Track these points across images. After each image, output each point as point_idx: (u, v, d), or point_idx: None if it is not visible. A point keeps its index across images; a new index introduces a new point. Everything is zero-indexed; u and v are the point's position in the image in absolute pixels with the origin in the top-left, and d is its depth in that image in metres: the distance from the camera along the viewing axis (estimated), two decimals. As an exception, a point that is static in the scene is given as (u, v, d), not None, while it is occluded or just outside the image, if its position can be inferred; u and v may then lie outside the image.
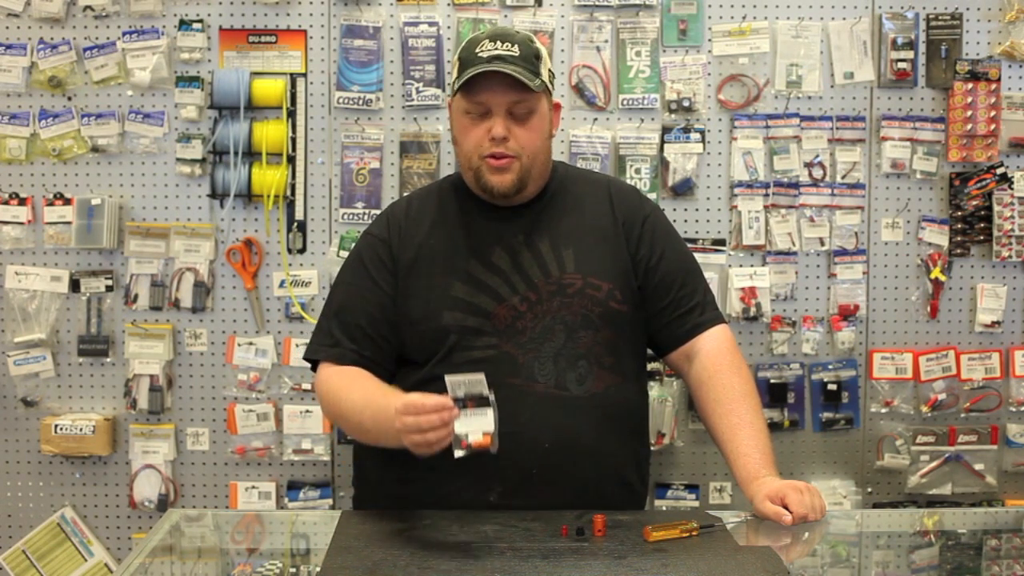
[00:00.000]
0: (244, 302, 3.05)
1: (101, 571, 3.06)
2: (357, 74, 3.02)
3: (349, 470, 2.43)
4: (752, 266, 3.07)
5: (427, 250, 2.19)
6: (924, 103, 3.09)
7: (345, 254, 2.78)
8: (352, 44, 3.02)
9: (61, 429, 3.00)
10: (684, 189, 3.05)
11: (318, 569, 1.72)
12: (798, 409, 3.09)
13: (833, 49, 3.06)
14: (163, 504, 3.03)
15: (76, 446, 3.00)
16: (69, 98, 3.03)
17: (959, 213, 3.08)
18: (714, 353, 2.21)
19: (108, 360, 3.05)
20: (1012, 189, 3.08)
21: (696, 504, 3.06)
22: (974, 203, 3.08)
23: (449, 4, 3.03)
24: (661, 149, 3.05)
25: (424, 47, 3.02)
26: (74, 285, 3.04)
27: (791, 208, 3.07)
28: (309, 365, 2.26)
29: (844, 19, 3.07)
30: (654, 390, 2.97)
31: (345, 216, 3.04)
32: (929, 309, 3.09)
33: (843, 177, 3.07)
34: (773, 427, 2.98)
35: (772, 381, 3.07)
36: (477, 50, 2.11)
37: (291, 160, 3.03)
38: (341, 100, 3.02)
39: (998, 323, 3.09)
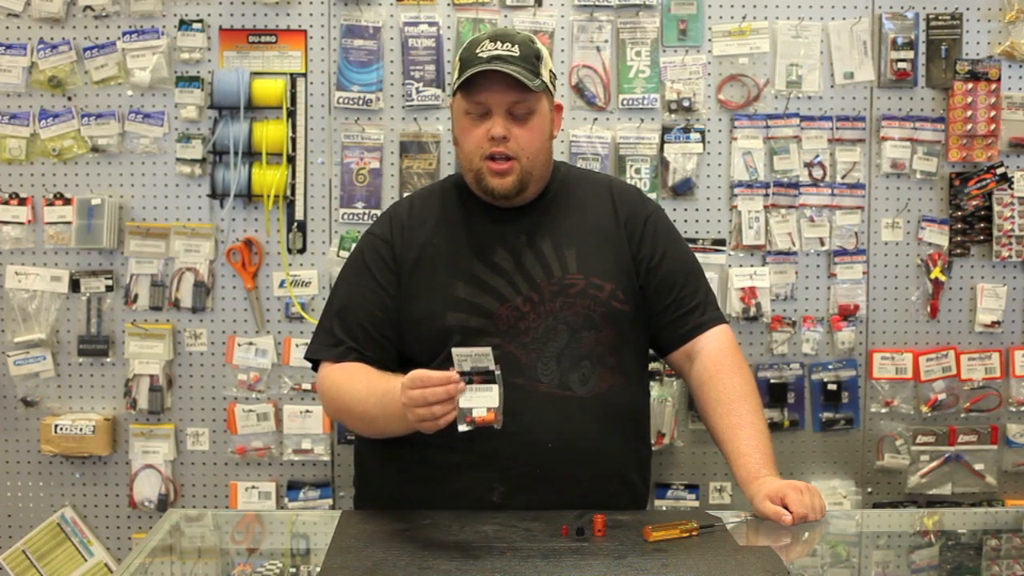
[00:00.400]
0: (244, 302, 3.05)
1: (101, 571, 3.06)
2: (357, 74, 3.02)
3: (349, 470, 2.44)
4: (752, 266, 3.07)
5: (430, 250, 2.18)
6: (924, 103, 3.09)
7: (345, 254, 2.78)
8: (352, 44, 3.02)
9: (61, 429, 3.00)
10: (684, 189, 3.05)
11: (318, 569, 1.72)
12: (798, 409, 3.09)
13: (833, 49, 3.06)
14: (163, 504, 3.03)
15: (76, 446, 3.00)
16: (69, 98, 3.03)
17: (959, 213, 3.09)
18: (715, 353, 2.21)
19: (108, 360, 3.05)
20: (1012, 189, 3.08)
21: (696, 504, 3.07)
22: (974, 203, 3.08)
23: (449, 4, 3.03)
24: (661, 149, 3.05)
25: (424, 47, 3.02)
26: (74, 285, 3.04)
27: (791, 208, 3.07)
28: (310, 365, 2.26)
29: (844, 19, 3.07)
30: (654, 390, 2.97)
31: (345, 216, 3.04)
32: (929, 309, 3.09)
33: (843, 177, 3.07)
34: (773, 427, 2.98)
35: (772, 381, 3.07)
36: (477, 50, 2.11)
37: (291, 160, 3.03)
38: (341, 100, 3.02)
39: (998, 323, 3.10)
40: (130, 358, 3.03)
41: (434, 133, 3.03)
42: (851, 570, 1.94)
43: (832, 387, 3.08)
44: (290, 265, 3.04)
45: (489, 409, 1.83)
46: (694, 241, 3.04)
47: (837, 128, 3.07)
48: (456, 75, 2.15)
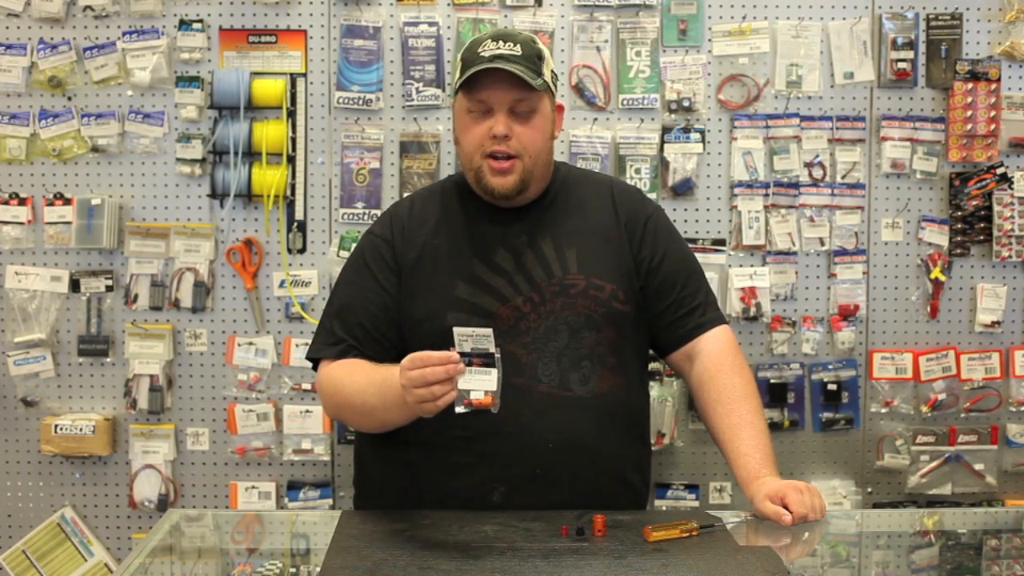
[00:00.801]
0: (244, 302, 3.05)
1: (101, 571, 3.06)
2: (357, 74, 3.02)
3: (349, 470, 2.43)
4: (752, 266, 3.07)
5: (430, 250, 2.18)
6: (924, 103, 3.09)
7: (345, 254, 2.78)
8: (352, 44, 3.02)
9: (61, 429, 3.00)
10: (684, 189, 3.05)
11: (318, 569, 1.72)
12: (798, 409, 3.09)
13: (833, 49, 3.06)
14: (163, 504, 3.03)
15: (76, 446, 3.00)
16: (69, 98, 3.03)
17: (959, 213, 3.09)
18: (715, 354, 2.21)
19: (108, 360, 3.05)
20: (1012, 189, 3.08)
21: (696, 504, 3.07)
22: (974, 203, 3.08)
23: (449, 4, 3.03)
24: (661, 149, 3.05)
25: (424, 47, 3.02)
26: (74, 285, 3.04)
27: (791, 208, 3.07)
28: (310, 365, 2.26)
29: (844, 19, 3.07)
30: (654, 390, 2.97)
31: (345, 216, 3.04)
32: (929, 309, 3.09)
33: (843, 177, 3.07)
34: (773, 427, 2.98)
35: (772, 381, 3.07)
36: (479, 49, 2.11)
37: (291, 160, 3.03)
38: (341, 100, 3.02)
39: (998, 323, 3.10)
40: (130, 358, 3.03)
41: (434, 133, 3.03)
42: (851, 570, 1.94)
43: (832, 387, 3.08)
44: (290, 265, 3.04)
45: (487, 392, 1.82)
46: (694, 241, 3.04)
47: (837, 128, 3.07)
48: (458, 74, 2.15)
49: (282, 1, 3.02)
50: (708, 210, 3.08)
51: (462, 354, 1.82)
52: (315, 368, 2.24)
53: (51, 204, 3.01)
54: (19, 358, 3.03)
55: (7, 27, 3.02)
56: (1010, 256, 3.09)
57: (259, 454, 3.05)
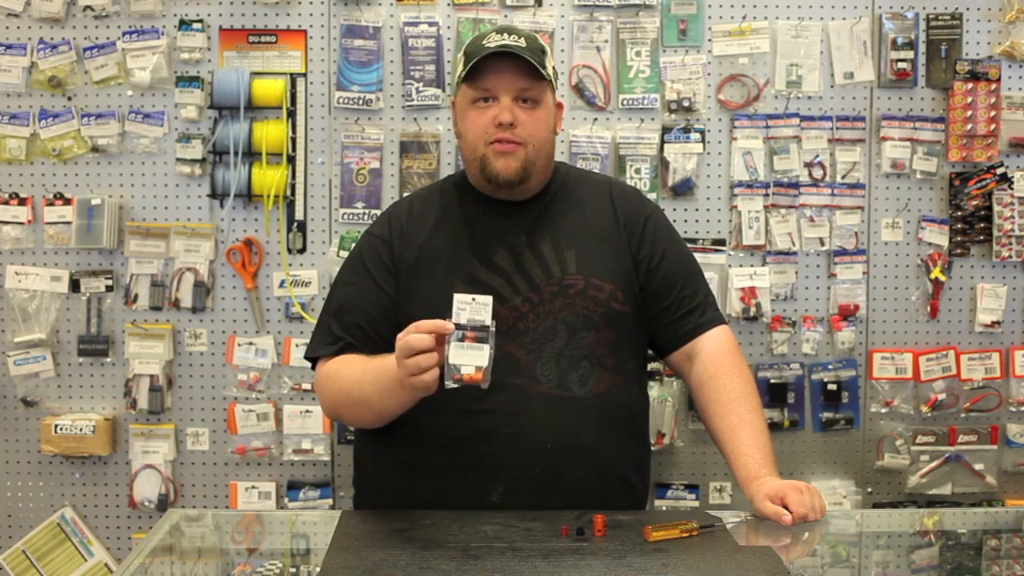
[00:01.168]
0: (244, 302, 3.05)
1: (101, 571, 3.06)
2: (357, 74, 3.02)
3: (349, 470, 2.43)
4: (752, 266, 3.07)
5: (429, 250, 2.19)
6: (924, 103, 3.09)
7: (345, 254, 2.78)
8: (352, 44, 3.02)
9: (61, 429, 3.00)
10: (684, 189, 3.05)
11: (318, 569, 1.72)
12: (798, 409, 3.09)
13: (833, 49, 3.06)
14: (163, 504, 3.03)
15: (76, 446, 3.00)
16: (69, 98, 3.03)
17: (959, 213, 3.09)
18: (715, 354, 2.21)
19: (108, 360, 3.05)
20: (1012, 189, 3.08)
21: (696, 504, 3.06)
22: (974, 203, 3.08)
23: (449, 4, 3.03)
24: (661, 149, 3.05)
25: (424, 47, 3.02)
26: (74, 285, 3.04)
27: (791, 208, 3.07)
28: (309, 364, 2.26)
29: (844, 19, 3.07)
30: (654, 390, 2.97)
31: (345, 216, 3.04)
32: (929, 309, 3.09)
33: (843, 177, 3.07)
34: (773, 427, 2.98)
35: (772, 381, 3.07)
36: (484, 42, 2.12)
37: (291, 160, 3.03)
38: (341, 100, 3.02)
39: (998, 323, 3.10)
40: (130, 358, 3.03)
41: (434, 133, 3.03)
42: (851, 570, 1.93)
43: (832, 387, 3.08)
44: (290, 265, 3.04)
45: (477, 368, 1.81)
46: (694, 241, 3.04)
47: (837, 128, 3.07)
48: (461, 68, 2.15)
49: (282, 1, 3.02)
50: (708, 210, 3.07)
51: (457, 325, 1.81)
52: (313, 367, 2.24)
53: (51, 204, 3.01)
54: (19, 358, 3.03)
55: (7, 27, 3.02)
56: (1010, 256, 3.09)
57: (259, 454, 3.05)
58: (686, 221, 3.06)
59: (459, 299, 1.82)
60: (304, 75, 3.04)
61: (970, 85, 3.05)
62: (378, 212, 2.93)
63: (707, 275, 2.36)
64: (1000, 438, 3.11)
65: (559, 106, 2.25)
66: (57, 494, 3.07)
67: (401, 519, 1.96)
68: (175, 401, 3.06)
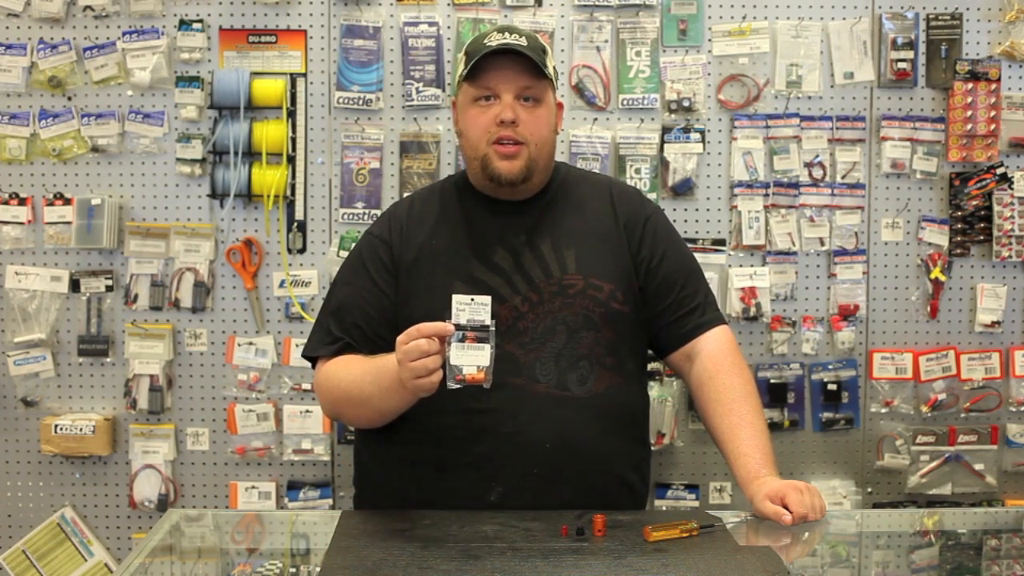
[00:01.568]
0: (244, 302, 3.05)
1: (101, 571, 3.06)
2: (357, 74, 3.02)
3: (349, 470, 2.43)
4: (752, 266, 3.07)
5: (428, 250, 2.18)
6: (924, 103, 3.09)
7: (345, 254, 2.78)
8: (352, 44, 3.02)
9: (61, 429, 3.00)
10: (684, 189, 3.05)
11: (318, 569, 1.72)
12: (798, 409, 3.09)
13: (833, 49, 3.06)
14: (163, 504, 3.03)
15: (76, 446, 3.00)
16: (69, 98, 3.03)
17: (959, 213, 3.09)
18: (715, 354, 2.21)
19: (108, 360, 3.05)
20: (1012, 189, 3.08)
21: (696, 504, 3.07)
22: (974, 203, 3.08)
23: (449, 4, 3.03)
24: (661, 149, 3.05)
25: (424, 47, 3.02)
26: (74, 285, 3.04)
27: (791, 208, 3.07)
28: (309, 364, 2.26)
29: (844, 19, 3.07)
30: (654, 390, 2.97)
31: (345, 216, 3.04)
32: (929, 309, 3.09)
33: (843, 177, 3.07)
34: (773, 427, 2.99)
35: (772, 381, 3.07)
36: (486, 41, 2.13)
37: (291, 160, 3.03)
38: (341, 100, 3.02)
39: (998, 323, 3.10)
40: (130, 358, 3.03)
41: (434, 133, 3.03)
42: (851, 570, 1.93)
43: (832, 387, 3.08)
44: (290, 265, 3.04)
45: (479, 368, 1.82)
46: (694, 241, 3.04)
47: (837, 128, 3.07)
48: (461, 67, 2.16)
49: (282, 1, 3.02)
50: (708, 210, 3.08)
51: (457, 326, 1.82)
52: (313, 367, 2.24)
53: (51, 204, 3.01)
54: (19, 358, 3.03)
55: (7, 27, 3.02)
56: (1010, 256, 3.09)
57: (259, 454, 3.05)
58: (686, 221, 3.06)
59: (458, 300, 1.83)
60: (304, 75, 3.04)
61: (970, 85, 3.05)
62: (378, 212, 2.93)
63: (707, 275, 2.36)
64: (1000, 438, 3.11)
65: (559, 106, 2.25)
66: (57, 494, 3.07)
67: (401, 519, 1.96)
68: (175, 401, 3.06)
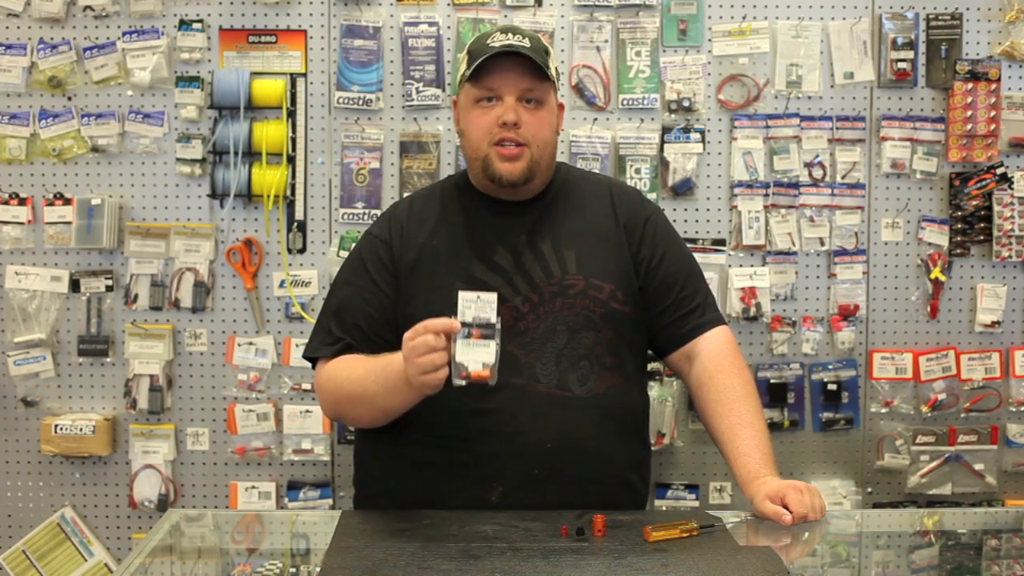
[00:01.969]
0: (244, 302, 3.05)
1: (101, 571, 3.06)
2: (357, 74, 3.02)
3: (349, 470, 2.43)
4: (752, 266, 3.07)
5: (429, 251, 2.18)
6: (924, 103, 3.09)
7: (345, 254, 2.78)
8: (352, 44, 3.02)
9: (61, 429, 3.00)
10: (684, 189, 3.05)
11: (318, 569, 1.72)
12: (798, 409, 3.09)
13: (833, 49, 3.06)
14: (163, 504, 3.03)
15: (76, 446, 3.00)
16: (69, 98, 3.03)
17: (959, 213, 3.09)
18: (714, 354, 2.21)
19: (108, 360, 3.05)
20: (1012, 189, 3.08)
21: (696, 504, 3.07)
22: (974, 203, 3.08)
23: (449, 4, 3.03)
24: (661, 149, 3.05)
25: (424, 47, 3.02)
26: (74, 285, 3.04)
27: (791, 208, 3.07)
28: (309, 364, 2.26)
29: (844, 19, 3.07)
30: (654, 390, 2.97)
31: (345, 216, 3.04)
32: (929, 309, 3.09)
33: (843, 177, 3.07)
34: (773, 427, 2.99)
35: (772, 381, 3.07)
36: (488, 41, 2.12)
37: (291, 160, 3.03)
38: (341, 100, 3.02)
39: (998, 323, 3.10)
40: (130, 358, 3.03)
41: (434, 133, 3.03)
42: (851, 570, 1.94)
43: (832, 387, 3.08)
44: (290, 265, 3.04)
45: (484, 365, 1.82)
46: (694, 241, 3.04)
47: (837, 128, 3.07)
48: (463, 67, 2.15)
49: (282, 1, 3.02)
50: (708, 210, 3.08)
51: (463, 323, 1.82)
52: (313, 367, 2.24)
53: (51, 204, 3.01)
54: (19, 358, 3.03)
55: (7, 27, 3.02)
56: (1010, 256, 3.09)
57: (259, 454, 3.05)
58: (686, 221, 3.06)
59: (464, 296, 1.83)
60: (304, 75, 3.04)
61: (970, 85, 3.05)
62: (378, 212, 2.93)
63: (707, 275, 2.36)
64: (1000, 438, 3.11)
65: (560, 107, 2.25)
66: (57, 494, 3.07)
67: (401, 519, 1.96)
68: (175, 401, 3.06)
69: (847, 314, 3.07)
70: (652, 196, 3.02)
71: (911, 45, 3.06)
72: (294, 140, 3.03)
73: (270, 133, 3.00)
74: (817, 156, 3.07)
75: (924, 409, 3.09)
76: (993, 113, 3.05)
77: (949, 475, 3.10)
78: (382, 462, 2.20)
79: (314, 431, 3.03)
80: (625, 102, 3.04)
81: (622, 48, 3.05)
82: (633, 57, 3.05)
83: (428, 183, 2.81)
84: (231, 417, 3.04)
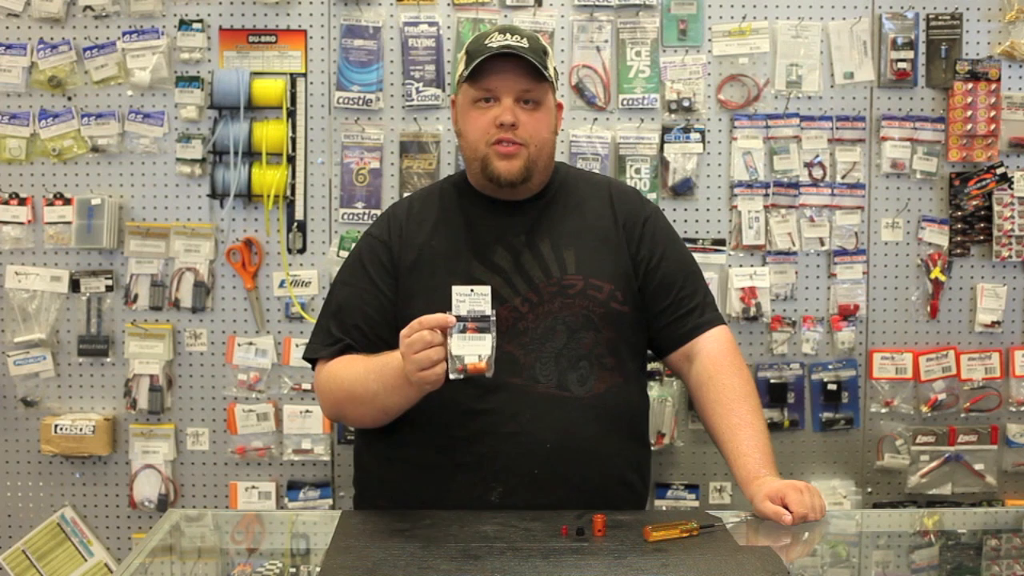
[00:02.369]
0: (244, 302, 3.05)
1: (101, 571, 3.06)
2: (357, 74, 3.02)
3: (349, 470, 2.44)
4: (752, 266, 3.07)
5: (428, 251, 2.19)
6: (924, 103, 3.09)
7: (345, 254, 2.78)
8: (352, 44, 3.02)
9: (61, 429, 3.00)
10: (684, 189, 3.05)
11: (318, 569, 1.72)
12: (798, 409, 3.09)
13: (833, 49, 3.06)
14: (163, 504, 3.03)
15: (76, 446, 3.00)
16: (69, 98, 3.03)
17: (959, 213, 3.09)
18: (714, 354, 2.21)
19: (108, 360, 3.05)
20: (1012, 189, 3.08)
21: (696, 504, 3.07)
22: (974, 203, 3.08)
23: (449, 4, 3.03)
24: (661, 149, 3.05)
25: (424, 47, 3.02)
26: (74, 285, 3.04)
27: (791, 208, 3.07)
28: (309, 365, 2.26)
29: (844, 19, 3.07)
30: (654, 390, 2.97)
31: (345, 216, 3.04)
32: (929, 309, 3.09)
33: (843, 177, 3.07)
34: (773, 427, 2.98)
35: (772, 381, 3.07)
36: (487, 41, 2.13)
37: (291, 160, 3.03)
38: (341, 100, 3.02)
39: (998, 323, 3.10)
40: (130, 358, 3.03)
41: (434, 133, 3.03)
42: (851, 570, 1.94)
43: (832, 387, 3.08)
44: (290, 265, 3.04)
45: (481, 357, 1.83)
46: (694, 241, 3.04)
47: (837, 128, 3.07)
48: (462, 67, 2.16)
49: (282, 1, 3.02)
50: (708, 210, 3.07)
51: (458, 318, 1.83)
52: (313, 368, 2.24)
53: (51, 204, 3.01)
54: (19, 358, 3.03)
55: (7, 27, 3.02)
56: (1010, 256, 3.09)
57: (259, 454, 3.05)
58: (686, 221, 3.06)
59: (458, 291, 1.84)
60: (304, 75, 3.04)
61: (970, 85, 3.05)
62: (378, 212, 2.93)
63: (707, 275, 2.37)
64: (1000, 438, 3.11)
65: (559, 107, 2.25)
66: (57, 494, 3.07)
67: (401, 519, 1.96)
68: (175, 401, 3.06)
69: (847, 314, 3.07)
70: (652, 196, 3.02)
71: (911, 45, 3.06)
72: (294, 140, 3.03)
73: (270, 133, 3.00)
74: (817, 156, 3.07)
75: (924, 409, 3.09)
76: (993, 113, 3.05)
77: (949, 475, 3.10)
78: (382, 462, 2.20)
79: (314, 431, 3.03)
80: (625, 102, 3.04)
81: (622, 48, 3.05)
82: (633, 57, 3.05)
83: (428, 183, 2.81)
84: (231, 417, 3.04)
